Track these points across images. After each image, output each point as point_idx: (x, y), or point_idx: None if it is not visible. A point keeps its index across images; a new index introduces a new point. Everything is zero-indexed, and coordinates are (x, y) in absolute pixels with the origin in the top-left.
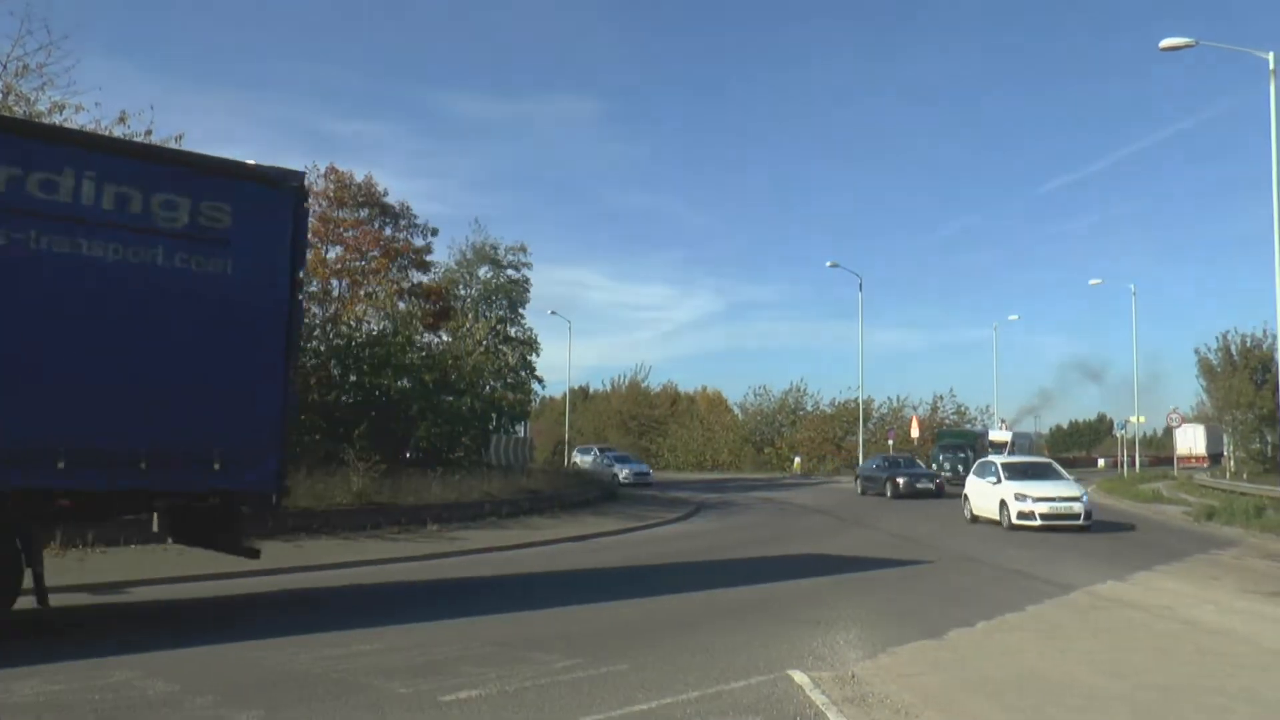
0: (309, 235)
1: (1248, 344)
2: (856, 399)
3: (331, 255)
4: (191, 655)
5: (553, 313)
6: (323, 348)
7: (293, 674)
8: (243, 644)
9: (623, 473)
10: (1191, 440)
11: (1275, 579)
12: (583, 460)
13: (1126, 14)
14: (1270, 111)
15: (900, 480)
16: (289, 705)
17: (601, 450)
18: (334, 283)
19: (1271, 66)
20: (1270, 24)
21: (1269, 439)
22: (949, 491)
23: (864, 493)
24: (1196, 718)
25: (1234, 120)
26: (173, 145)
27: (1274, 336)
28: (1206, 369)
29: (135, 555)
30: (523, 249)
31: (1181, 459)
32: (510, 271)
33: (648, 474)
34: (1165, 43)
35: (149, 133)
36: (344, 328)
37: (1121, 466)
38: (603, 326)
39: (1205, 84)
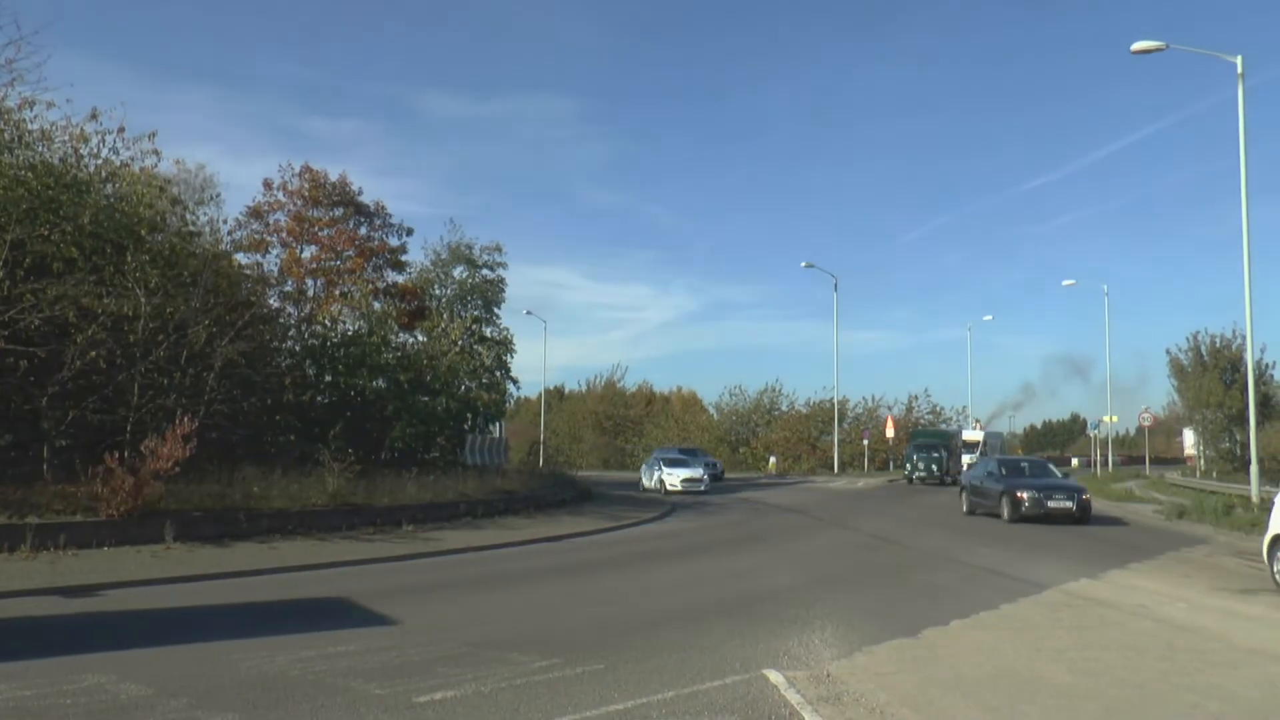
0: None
1: (1217, 344)
2: (832, 399)
3: (306, 255)
4: (165, 658)
5: (528, 313)
6: (298, 347)
7: (268, 676)
8: (217, 646)
9: (670, 479)
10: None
11: (1244, 577)
12: (648, 480)
13: (1100, 18)
14: (1239, 114)
15: (1024, 496)
16: (264, 708)
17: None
18: (309, 282)
19: (1240, 70)
20: (1239, 29)
21: (1238, 438)
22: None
23: (972, 511)
24: (1167, 715)
25: (1205, 123)
26: (146, 142)
27: (1243, 337)
28: (1177, 369)
29: (108, 557)
30: (498, 249)
31: (1189, 458)
32: (486, 271)
33: (710, 473)
34: (1137, 46)
35: (121, 130)
36: (319, 327)
37: (1095, 465)
38: (578, 326)
39: (1178, 87)
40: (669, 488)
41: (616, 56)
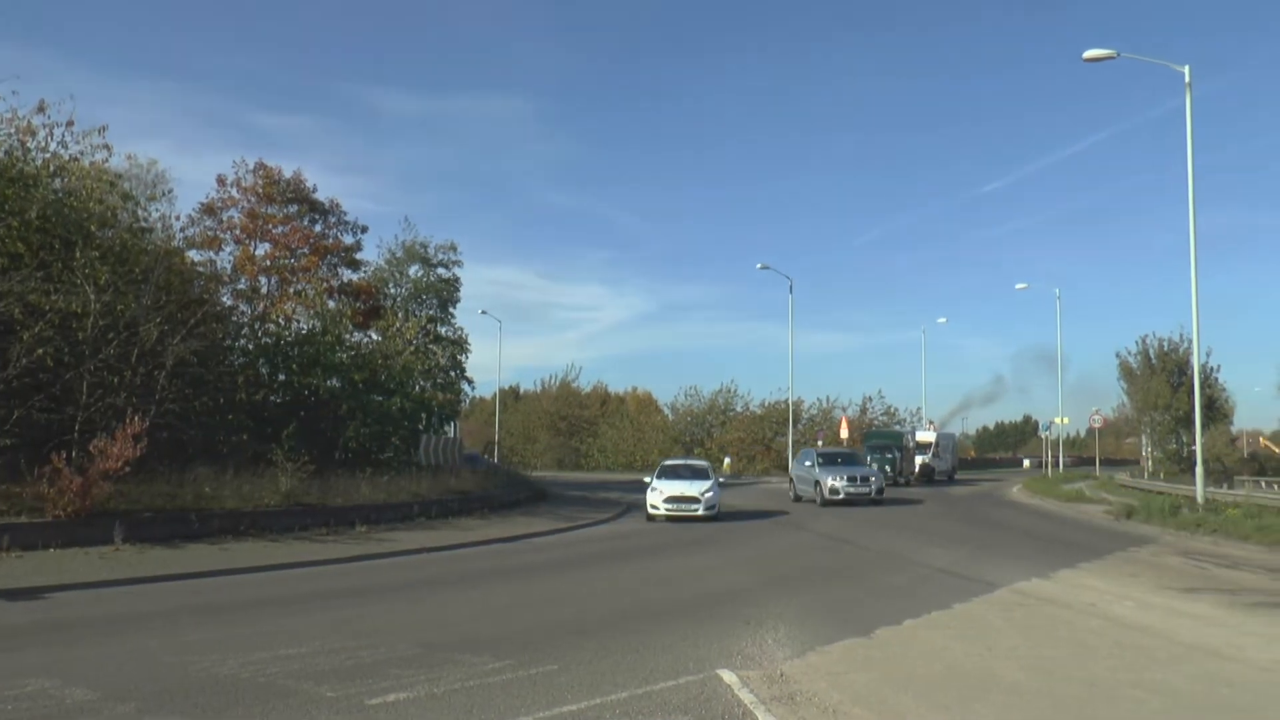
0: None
1: (1164, 348)
2: (786, 400)
3: (260, 252)
4: (112, 662)
5: (483, 312)
6: (251, 346)
7: (218, 679)
8: (166, 649)
9: (828, 482)
10: None
11: (1189, 575)
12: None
13: (1053, 26)
14: (1187, 122)
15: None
16: (214, 711)
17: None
18: (262, 280)
19: (1188, 79)
20: (1189, 38)
21: (1184, 440)
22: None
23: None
24: (1114, 711)
25: (1155, 130)
26: (96, 136)
27: (1190, 341)
28: (1126, 372)
29: (54, 559)
30: (453, 247)
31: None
32: (441, 270)
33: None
34: (1088, 54)
35: (70, 123)
36: (273, 326)
37: (1046, 466)
38: (533, 326)
39: (1129, 96)
40: (828, 495)
41: (573, 57)
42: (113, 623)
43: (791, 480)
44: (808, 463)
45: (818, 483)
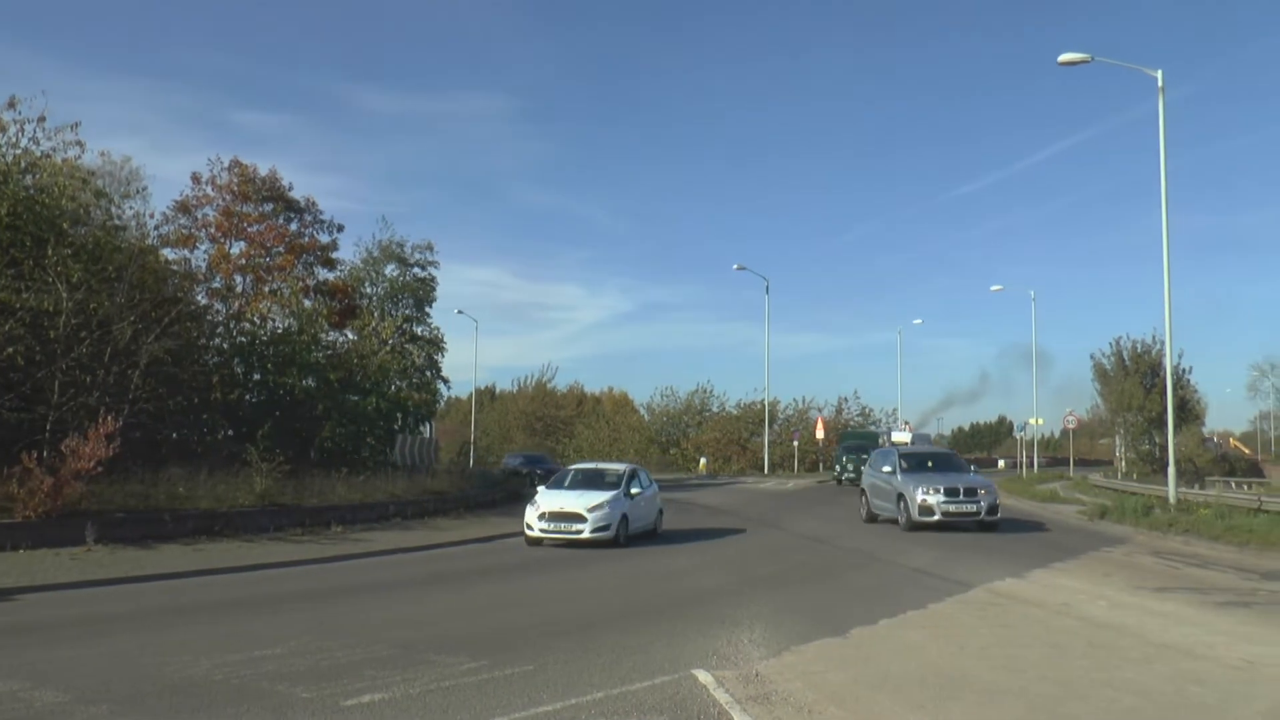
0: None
1: (1138, 349)
2: (762, 400)
3: (235, 251)
4: (83, 664)
5: (459, 312)
6: (226, 345)
7: (192, 681)
8: (139, 651)
9: (919, 497)
10: None
11: (1162, 575)
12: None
13: (1030, 28)
14: (1160, 126)
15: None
16: (187, 713)
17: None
18: (237, 279)
19: (1160, 84)
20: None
21: (1157, 441)
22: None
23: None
24: (1086, 709)
25: (1129, 132)
26: (68, 132)
27: (1163, 342)
28: (1100, 373)
29: (24, 560)
30: (430, 247)
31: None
32: (417, 270)
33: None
34: (1063, 58)
35: (42, 119)
36: (248, 325)
37: (1021, 467)
38: (510, 326)
39: (1105, 98)
40: (923, 515)
41: (553, 57)
42: (84, 624)
43: (864, 494)
44: (886, 467)
45: (901, 496)
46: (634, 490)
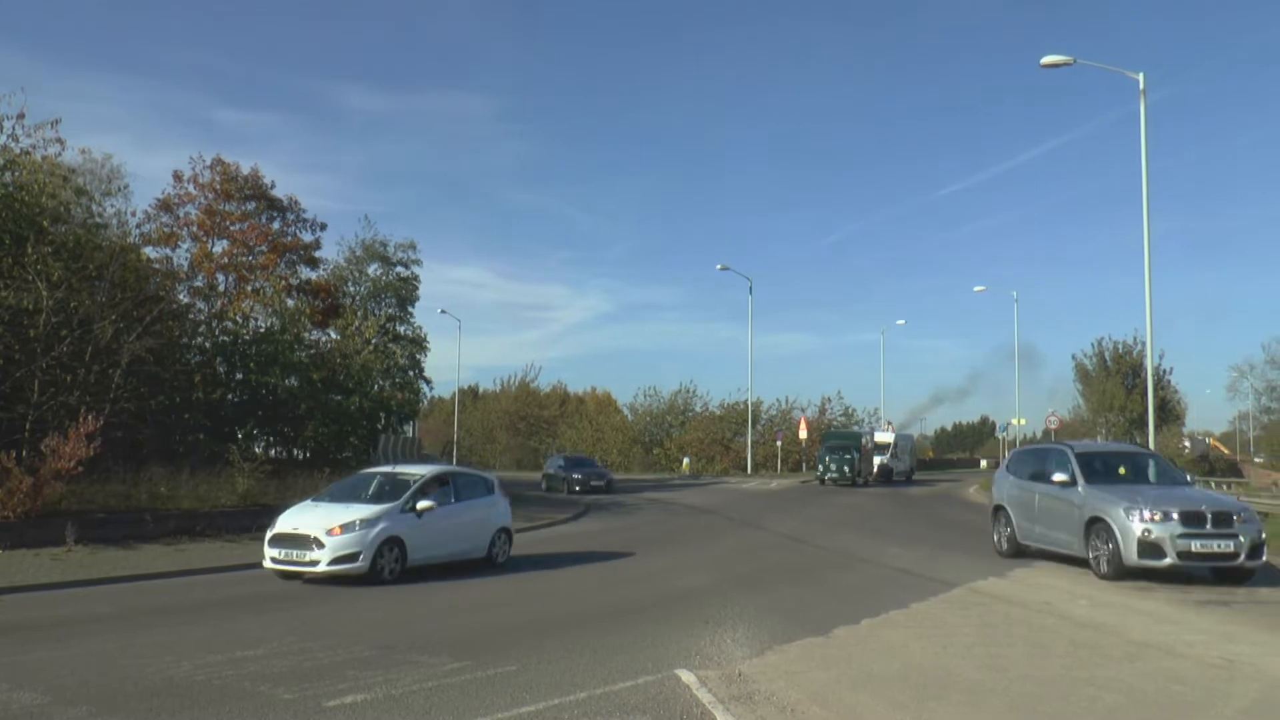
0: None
1: (1119, 350)
2: (746, 400)
3: (217, 249)
4: (62, 665)
5: (443, 311)
6: (208, 344)
7: (173, 682)
8: (119, 652)
9: (1135, 524)
10: None
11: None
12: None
13: (1013, 31)
14: (1141, 127)
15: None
16: (168, 714)
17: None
18: (220, 277)
19: (1142, 86)
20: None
21: (1138, 440)
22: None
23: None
24: (1068, 707)
25: (1112, 135)
26: (48, 129)
27: (1144, 343)
28: (1082, 374)
29: (3, 561)
30: (412, 246)
31: None
32: (400, 269)
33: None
34: (1046, 60)
35: (21, 116)
36: (230, 324)
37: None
38: (493, 326)
39: (1089, 100)
40: (1135, 555)
41: (537, 56)
42: (63, 625)
43: (1002, 513)
44: (1059, 475)
45: (1096, 522)
46: (423, 504)
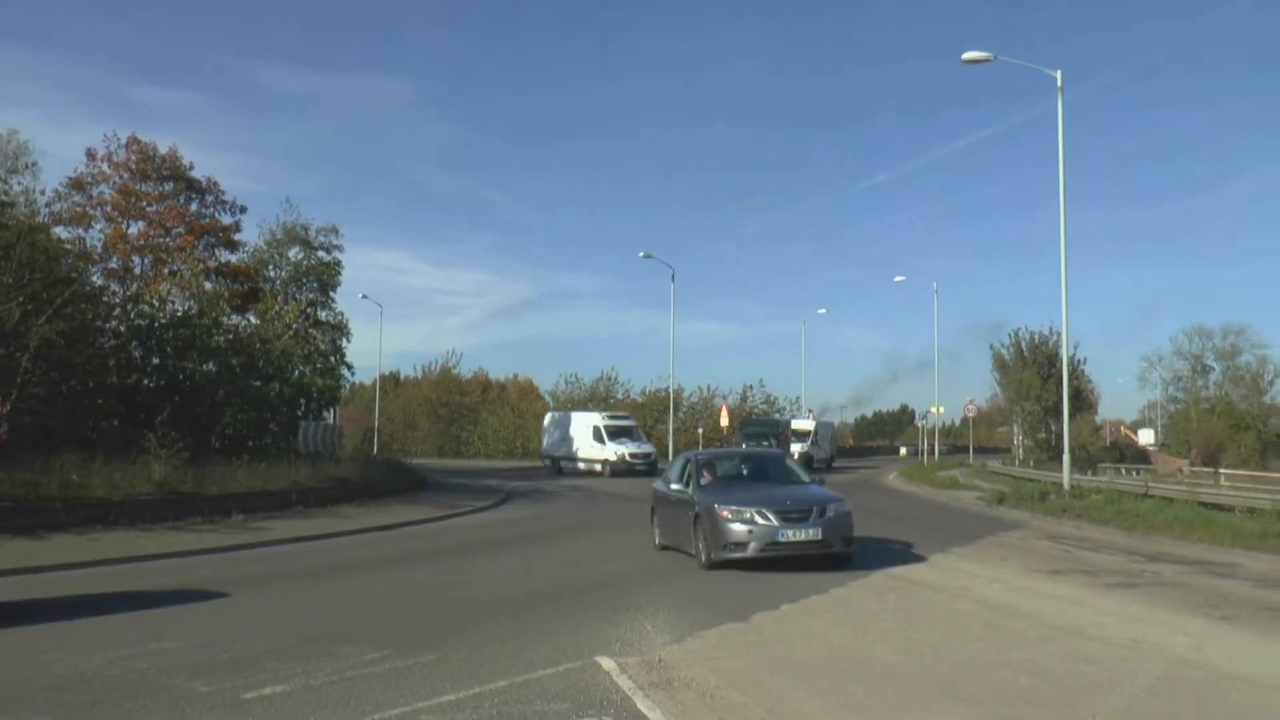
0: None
1: (1036, 341)
2: (667, 388)
3: (133, 230)
4: None
5: (364, 297)
6: (123, 328)
7: (84, 676)
8: (28, 647)
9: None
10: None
11: (1055, 558)
12: None
13: (935, 27)
14: (1059, 124)
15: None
16: (80, 710)
17: None
18: (135, 260)
19: (1059, 84)
20: (1062, 44)
21: (1053, 429)
22: None
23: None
24: (983, 689)
25: (1031, 130)
26: None
27: (1059, 334)
28: (999, 363)
29: None
30: (335, 230)
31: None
32: (321, 253)
33: None
34: (966, 56)
35: None
36: (146, 307)
37: (922, 454)
38: (415, 311)
39: (1009, 95)
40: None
41: (459, 39)
42: None
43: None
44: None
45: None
46: None
